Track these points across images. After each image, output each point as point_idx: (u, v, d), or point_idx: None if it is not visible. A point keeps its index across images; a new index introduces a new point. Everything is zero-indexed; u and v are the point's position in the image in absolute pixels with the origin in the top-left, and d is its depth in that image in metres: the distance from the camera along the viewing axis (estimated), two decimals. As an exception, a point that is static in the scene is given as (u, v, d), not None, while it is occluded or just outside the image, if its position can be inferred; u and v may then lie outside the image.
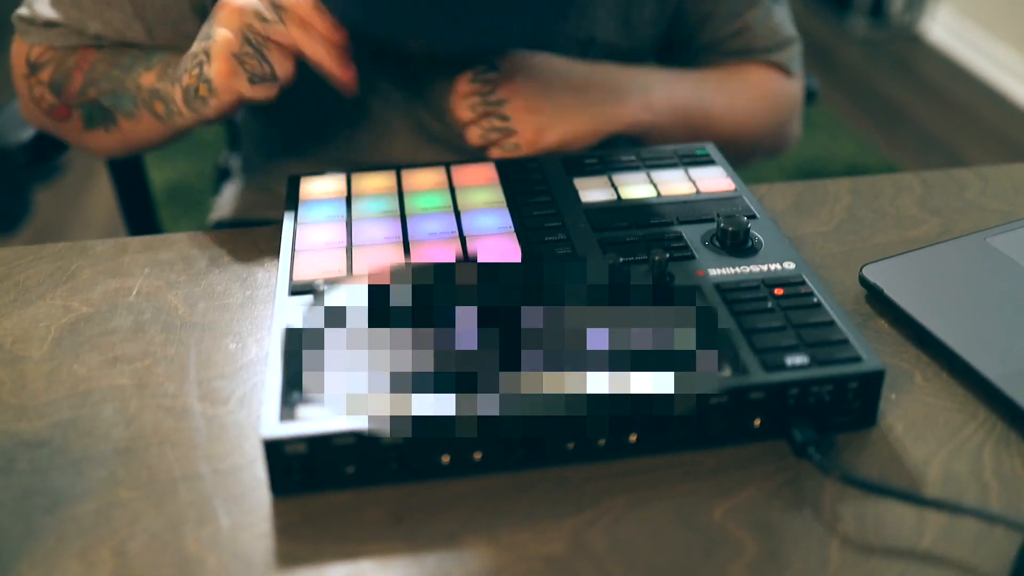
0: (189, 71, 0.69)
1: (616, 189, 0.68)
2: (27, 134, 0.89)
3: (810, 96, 1.07)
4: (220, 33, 0.66)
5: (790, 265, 0.59)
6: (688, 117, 0.82)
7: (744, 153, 0.88)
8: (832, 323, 0.54)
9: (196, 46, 0.69)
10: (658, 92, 0.80)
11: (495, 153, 0.75)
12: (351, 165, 0.80)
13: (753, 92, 0.88)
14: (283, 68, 0.67)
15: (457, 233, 0.63)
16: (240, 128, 0.98)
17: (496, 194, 0.67)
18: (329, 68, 0.67)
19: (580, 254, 0.61)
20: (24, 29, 0.78)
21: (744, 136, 0.87)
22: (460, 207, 0.66)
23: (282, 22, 0.65)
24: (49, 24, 0.77)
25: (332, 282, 0.58)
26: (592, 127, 0.76)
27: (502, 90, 0.74)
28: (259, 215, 0.88)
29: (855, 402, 0.52)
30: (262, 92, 0.67)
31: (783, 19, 0.89)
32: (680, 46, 0.89)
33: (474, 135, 0.75)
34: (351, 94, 0.69)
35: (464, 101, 0.75)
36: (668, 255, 0.58)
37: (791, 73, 0.90)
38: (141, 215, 1.06)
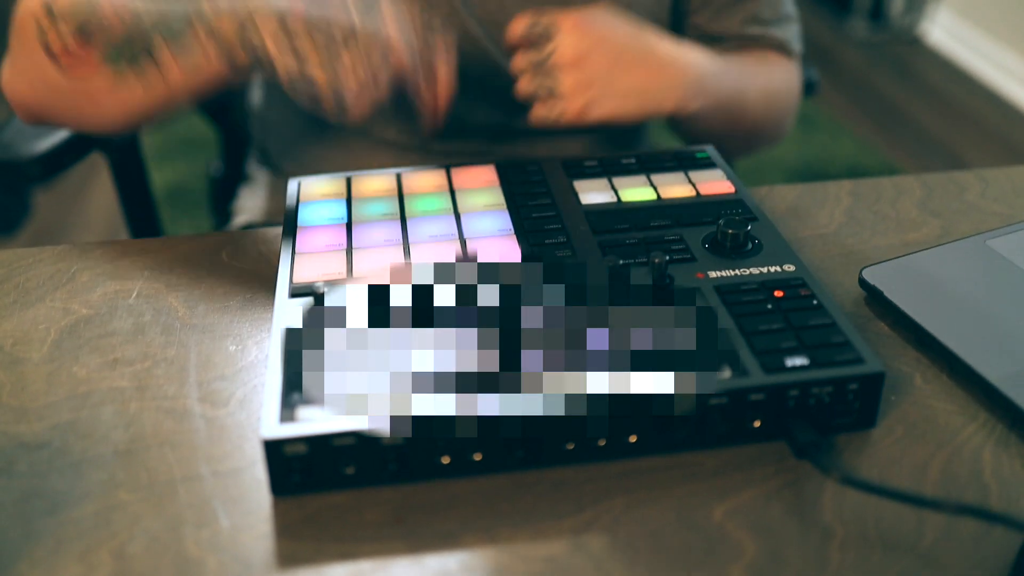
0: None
1: (616, 191, 0.68)
2: (40, 146, 0.88)
3: (811, 87, 1.08)
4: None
5: (790, 267, 0.59)
6: (728, 109, 0.81)
7: (754, 144, 0.88)
8: (832, 325, 0.54)
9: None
10: (710, 83, 0.79)
11: (539, 112, 0.73)
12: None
13: (778, 83, 0.88)
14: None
15: (457, 235, 0.63)
16: (261, 127, 0.97)
17: (496, 196, 0.67)
18: (427, 124, 0.71)
19: (580, 256, 0.61)
20: None
21: (764, 127, 0.87)
22: (460, 209, 0.66)
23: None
24: None
25: (332, 284, 0.58)
26: (639, 110, 0.75)
27: (558, 53, 0.72)
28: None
29: (855, 403, 0.52)
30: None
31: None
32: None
33: (524, 85, 0.73)
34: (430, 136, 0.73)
35: (520, 48, 0.74)
36: (668, 257, 0.58)
37: (793, 54, 0.90)
38: (142, 217, 1.06)
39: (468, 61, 0.79)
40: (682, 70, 0.77)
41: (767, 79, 0.87)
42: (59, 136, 0.89)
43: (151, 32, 0.66)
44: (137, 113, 0.73)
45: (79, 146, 0.92)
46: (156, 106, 0.72)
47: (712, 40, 0.88)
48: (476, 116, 0.85)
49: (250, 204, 0.97)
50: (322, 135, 0.89)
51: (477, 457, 0.50)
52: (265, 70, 0.65)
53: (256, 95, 0.99)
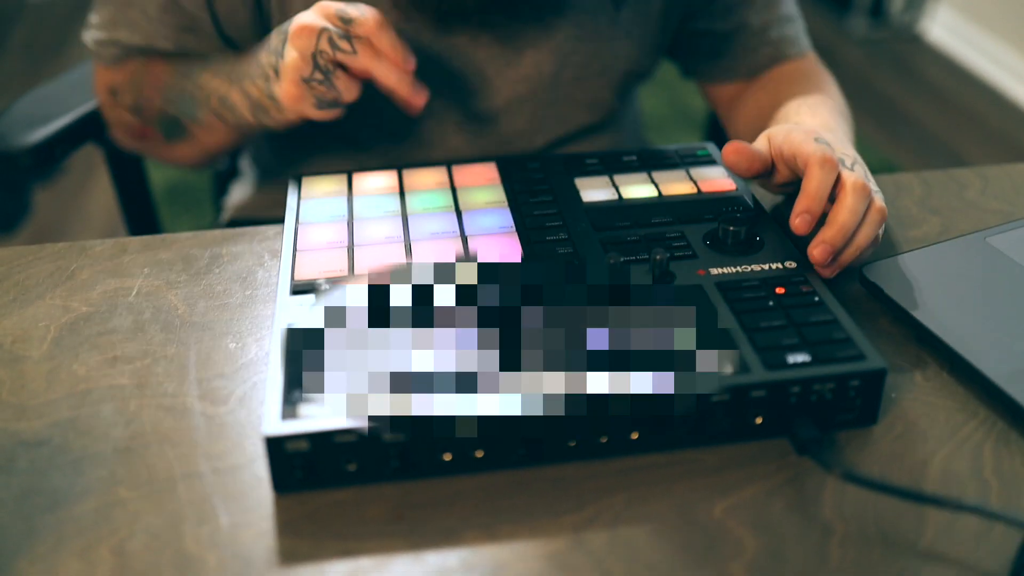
0: (255, 82, 0.70)
1: (617, 189, 0.67)
2: (32, 137, 0.89)
3: None
4: (290, 55, 0.66)
5: (791, 264, 0.59)
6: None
7: None
8: (834, 321, 0.54)
9: (264, 58, 0.70)
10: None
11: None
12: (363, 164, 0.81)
13: (835, 90, 0.86)
14: (350, 92, 0.68)
15: (458, 233, 0.63)
16: None
17: (497, 194, 0.67)
18: (401, 94, 0.67)
19: (581, 254, 0.61)
20: (98, 52, 0.81)
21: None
22: (461, 207, 0.66)
23: (353, 47, 0.66)
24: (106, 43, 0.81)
25: (333, 281, 0.58)
26: None
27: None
28: (274, 214, 0.88)
29: (857, 400, 0.52)
30: (327, 115, 0.69)
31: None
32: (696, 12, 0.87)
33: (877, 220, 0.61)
34: (416, 113, 0.70)
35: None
36: (669, 254, 0.58)
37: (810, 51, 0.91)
38: (141, 215, 1.06)
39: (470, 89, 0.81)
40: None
41: (836, 96, 0.84)
42: (52, 128, 0.90)
43: (174, 112, 0.77)
44: (196, 160, 0.86)
45: (72, 138, 0.92)
46: (206, 155, 0.84)
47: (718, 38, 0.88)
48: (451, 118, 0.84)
49: (236, 200, 0.97)
50: (300, 135, 0.90)
51: (479, 454, 0.50)
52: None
53: None
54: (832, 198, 0.60)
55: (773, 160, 0.64)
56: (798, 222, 0.59)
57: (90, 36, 0.81)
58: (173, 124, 0.79)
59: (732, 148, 0.63)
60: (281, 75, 0.67)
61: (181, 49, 0.79)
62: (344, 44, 0.65)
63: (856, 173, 0.61)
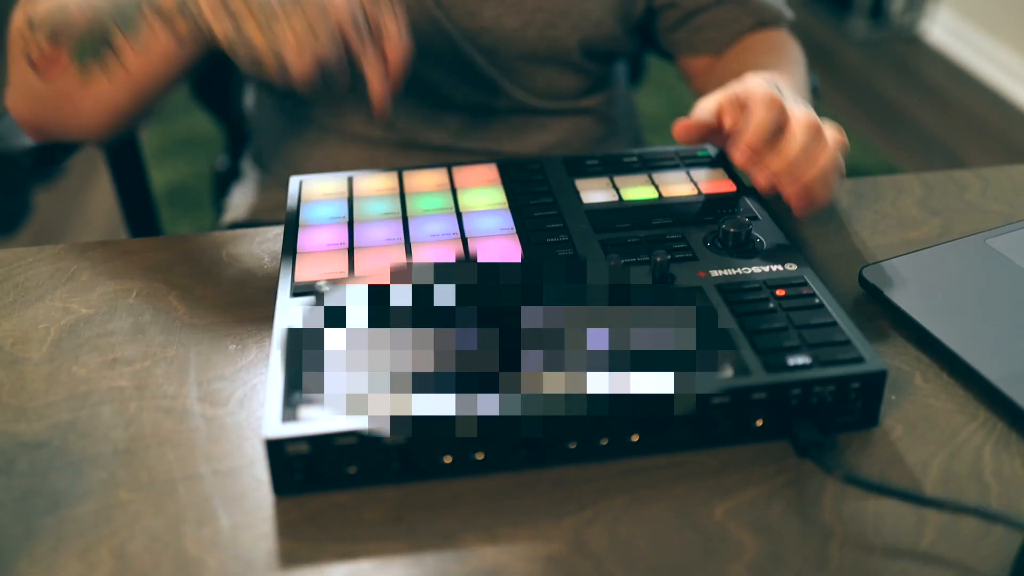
0: None
1: (618, 190, 0.67)
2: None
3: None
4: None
5: (792, 266, 0.59)
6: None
7: None
8: (834, 324, 0.54)
9: None
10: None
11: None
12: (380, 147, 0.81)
13: (799, 64, 0.86)
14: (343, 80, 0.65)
15: (459, 234, 0.63)
16: (253, 127, 0.97)
17: (498, 195, 0.67)
18: (377, 97, 0.66)
19: (582, 255, 0.61)
20: None
21: None
22: (461, 208, 0.66)
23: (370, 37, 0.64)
24: None
25: (334, 283, 0.58)
26: None
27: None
28: (277, 218, 0.88)
29: (857, 402, 0.52)
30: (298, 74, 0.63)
31: None
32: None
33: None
34: (380, 119, 0.68)
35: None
36: (670, 256, 0.58)
37: (787, 22, 0.90)
38: (142, 216, 1.06)
39: (432, 40, 0.80)
40: None
41: (797, 69, 0.84)
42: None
43: (108, 23, 0.68)
44: (112, 109, 0.73)
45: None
46: (126, 97, 0.71)
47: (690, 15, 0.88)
48: (442, 93, 0.85)
49: (238, 202, 0.97)
50: (301, 134, 0.90)
51: (479, 456, 0.50)
52: (206, 37, 0.66)
53: (249, 98, 1.00)
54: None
55: (724, 113, 0.65)
56: (738, 154, 0.61)
57: None
58: (92, 46, 0.69)
59: (679, 128, 0.65)
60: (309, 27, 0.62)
61: None
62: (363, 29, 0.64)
63: (807, 110, 0.62)
